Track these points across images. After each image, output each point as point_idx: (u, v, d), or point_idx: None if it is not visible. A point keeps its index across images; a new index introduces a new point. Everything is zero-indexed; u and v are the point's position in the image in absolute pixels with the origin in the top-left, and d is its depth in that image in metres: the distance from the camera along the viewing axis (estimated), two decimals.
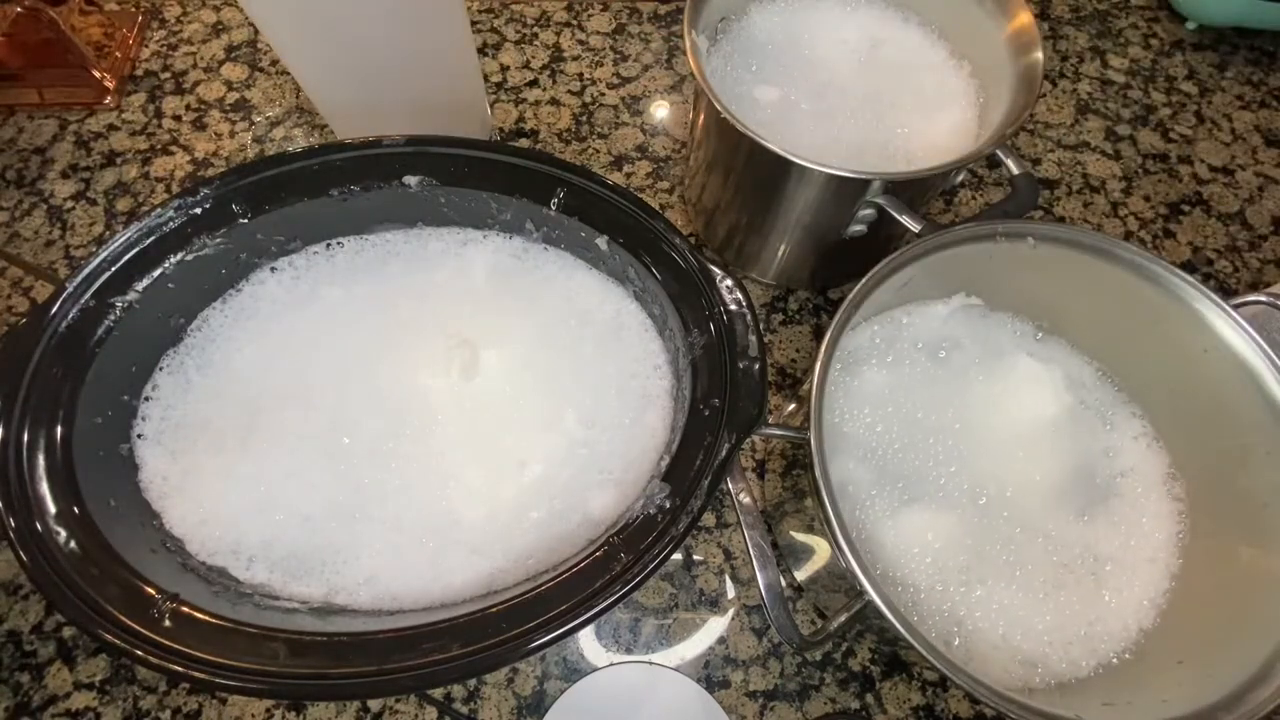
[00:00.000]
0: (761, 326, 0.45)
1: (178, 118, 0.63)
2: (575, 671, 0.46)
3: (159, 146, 0.62)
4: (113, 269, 0.36)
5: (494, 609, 0.30)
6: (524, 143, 0.64)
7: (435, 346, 0.41)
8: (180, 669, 0.28)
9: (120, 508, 0.34)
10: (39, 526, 0.30)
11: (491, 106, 0.65)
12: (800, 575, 0.48)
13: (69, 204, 0.59)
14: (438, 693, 0.45)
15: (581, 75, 0.67)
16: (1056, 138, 0.67)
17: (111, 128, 0.62)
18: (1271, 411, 0.38)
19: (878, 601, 0.31)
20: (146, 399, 0.37)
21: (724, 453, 0.34)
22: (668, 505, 0.33)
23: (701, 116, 0.51)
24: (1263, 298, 0.42)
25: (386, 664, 0.29)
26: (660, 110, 0.66)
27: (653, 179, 0.63)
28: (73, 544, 0.30)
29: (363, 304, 0.42)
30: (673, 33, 0.70)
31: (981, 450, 0.43)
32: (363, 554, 0.36)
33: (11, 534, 0.30)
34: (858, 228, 0.49)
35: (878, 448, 0.43)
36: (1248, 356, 0.38)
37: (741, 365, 0.36)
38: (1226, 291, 0.61)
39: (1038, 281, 0.44)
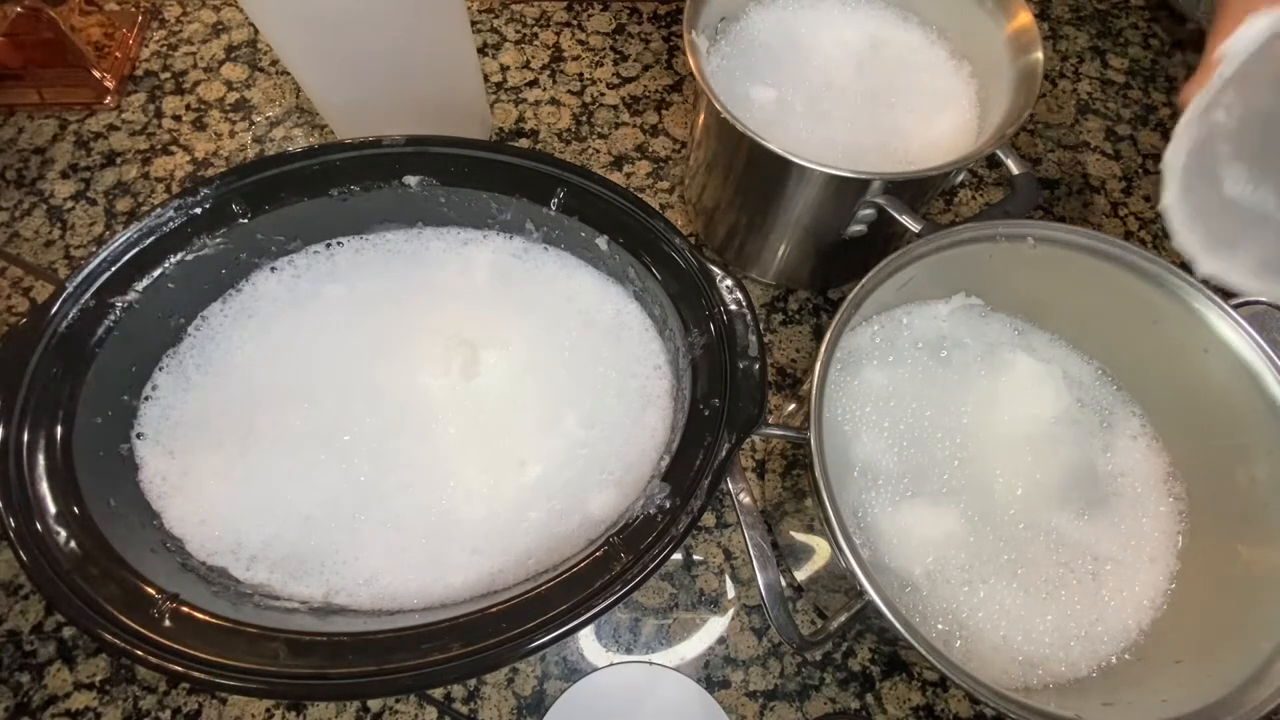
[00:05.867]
0: (761, 326, 0.45)
1: (178, 118, 0.63)
2: (575, 671, 0.46)
3: (159, 146, 0.62)
4: (113, 269, 0.36)
5: (494, 609, 0.30)
6: (524, 143, 0.64)
7: (435, 346, 0.41)
8: (180, 669, 0.28)
9: (120, 508, 0.34)
10: (39, 526, 0.30)
11: (491, 106, 0.65)
12: (800, 575, 0.48)
13: (69, 204, 0.59)
14: (438, 693, 0.45)
15: (581, 75, 0.67)
16: (1056, 138, 0.67)
17: (111, 128, 0.62)
18: (1271, 411, 0.38)
19: (878, 601, 0.31)
20: (146, 399, 0.37)
21: (724, 453, 0.34)
22: (668, 505, 0.33)
23: (701, 116, 0.51)
24: (1263, 298, 0.42)
25: (386, 664, 0.29)
26: (660, 110, 0.66)
27: (653, 179, 0.63)
28: (73, 544, 0.30)
29: (363, 304, 0.42)
30: (673, 33, 0.70)
31: (982, 449, 0.43)
32: (363, 554, 0.36)
33: (11, 534, 0.30)
34: (858, 228, 0.49)
35: (879, 446, 0.43)
36: (1248, 356, 0.38)
37: (741, 365, 0.36)
38: (1226, 292, 0.61)
39: (1038, 281, 0.44)
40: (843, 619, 0.34)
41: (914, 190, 0.46)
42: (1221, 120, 0.38)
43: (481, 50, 0.68)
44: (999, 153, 0.45)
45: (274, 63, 0.66)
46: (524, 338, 0.41)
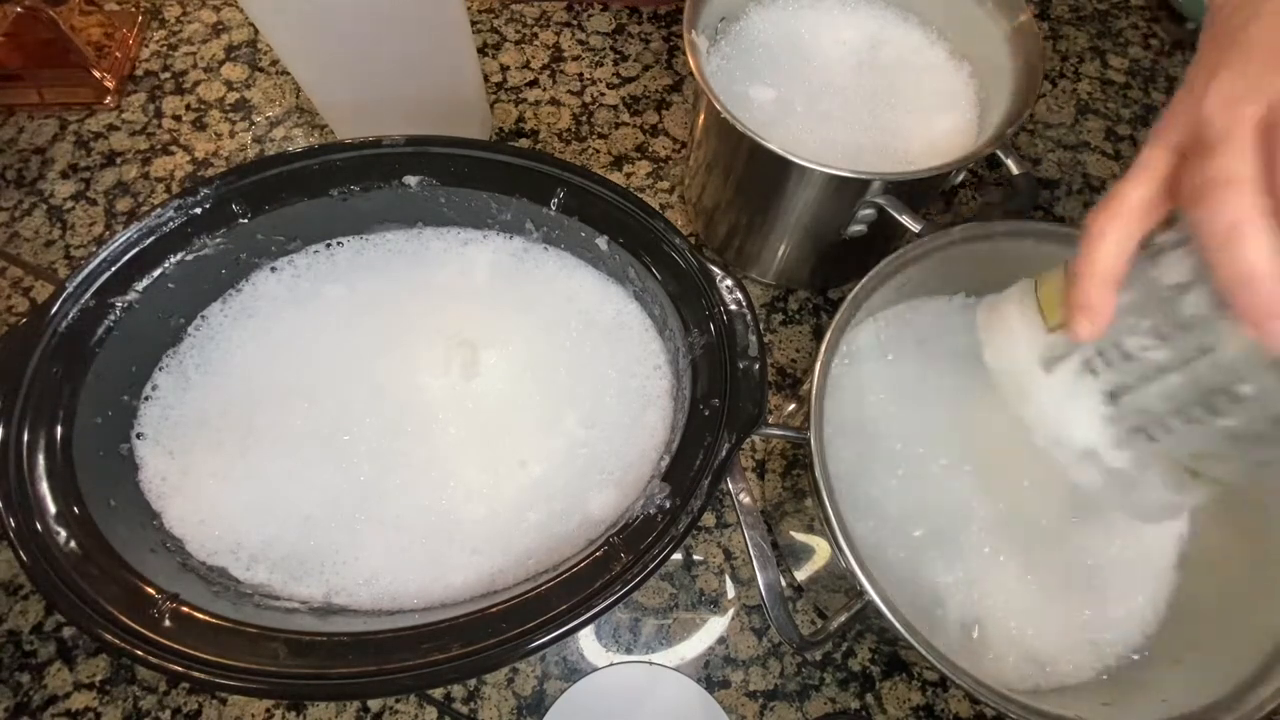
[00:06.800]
0: (761, 326, 0.45)
1: (178, 118, 0.63)
2: (575, 671, 0.46)
3: (159, 146, 0.62)
4: (113, 269, 0.36)
5: (494, 609, 0.30)
6: (524, 143, 0.64)
7: (435, 346, 0.41)
8: (180, 669, 0.28)
9: (120, 508, 0.34)
10: (39, 526, 0.30)
11: (491, 106, 0.65)
12: (800, 575, 0.48)
13: (69, 204, 0.59)
14: (438, 693, 0.45)
15: (581, 75, 0.67)
16: (1056, 138, 0.67)
17: (111, 128, 0.62)
18: None
19: (878, 601, 0.31)
20: (146, 399, 0.37)
21: (724, 453, 0.34)
22: (668, 505, 0.33)
23: (701, 116, 0.51)
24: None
25: (386, 664, 0.29)
26: (660, 110, 0.66)
27: (653, 179, 0.63)
28: (73, 544, 0.30)
29: (363, 304, 0.42)
30: (673, 33, 0.70)
31: (988, 448, 0.43)
32: (363, 554, 0.36)
33: (11, 534, 0.30)
34: (858, 228, 0.49)
35: (881, 445, 0.43)
36: None
37: (741, 365, 0.36)
38: None
39: None
40: (843, 619, 0.34)
41: (914, 190, 0.46)
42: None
43: (481, 50, 0.68)
44: (999, 153, 0.45)
45: (274, 63, 0.66)
46: (524, 338, 0.41)
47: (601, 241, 0.40)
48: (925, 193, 0.50)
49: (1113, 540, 0.41)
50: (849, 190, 0.45)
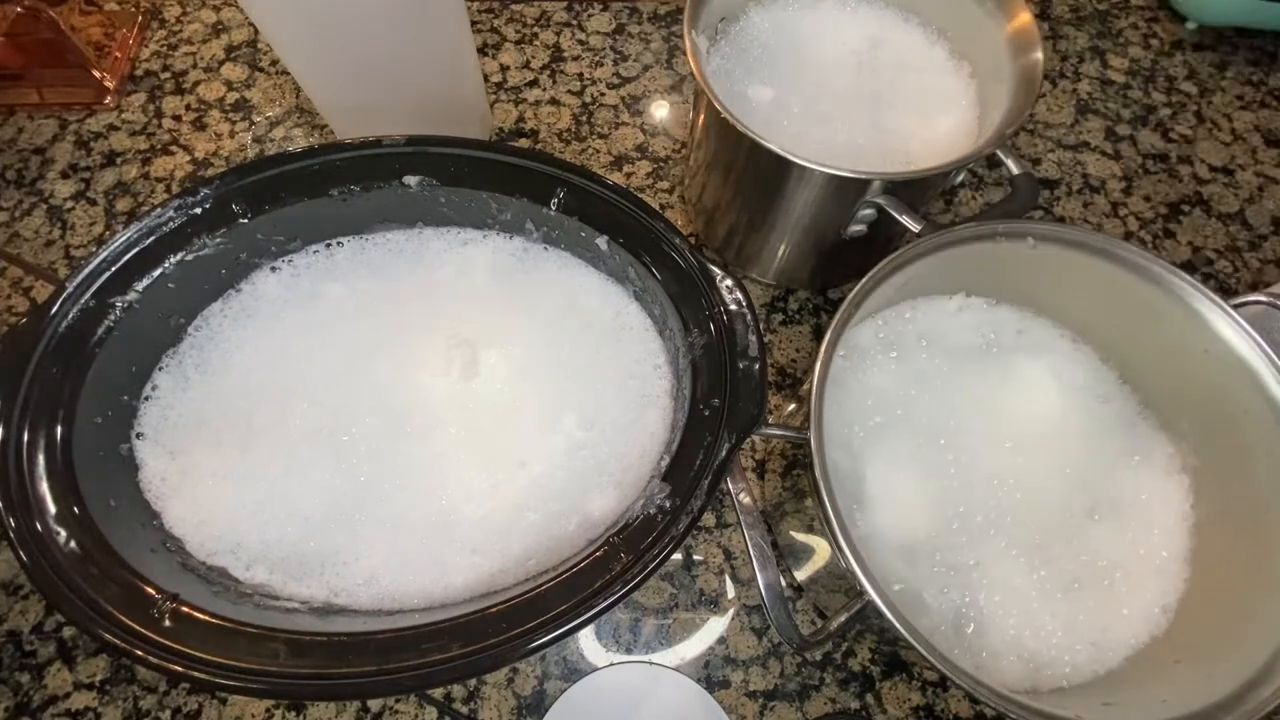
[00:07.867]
0: (761, 326, 0.45)
1: (178, 118, 0.63)
2: (575, 671, 0.46)
3: (159, 146, 0.62)
4: (113, 269, 0.36)
5: (494, 609, 0.30)
6: (524, 143, 0.64)
7: (435, 346, 0.41)
8: (180, 669, 0.28)
9: (120, 508, 0.34)
10: (39, 526, 0.30)
11: (491, 106, 0.65)
12: (800, 575, 0.48)
13: (69, 204, 0.59)
14: (438, 693, 0.45)
15: (581, 75, 0.67)
16: (1056, 138, 0.67)
17: (111, 128, 0.62)
18: (1272, 411, 0.38)
19: (878, 601, 0.31)
20: (146, 399, 0.37)
21: (724, 453, 0.34)
22: (668, 505, 0.33)
23: (701, 116, 0.51)
24: (1263, 298, 0.42)
25: (386, 664, 0.29)
26: (660, 110, 0.66)
27: (653, 179, 0.63)
28: (73, 544, 0.30)
29: (363, 304, 0.42)
30: (673, 33, 0.70)
31: (986, 448, 0.43)
32: (363, 554, 0.36)
33: (11, 534, 0.30)
34: (858, 228, 0.49)
35: (881, 445, 0.43)
36: (1248, 356, 0.38)
37: (741, 365, 0.36)
38: (1226, 291, 0.61)
39: (1038, 281, 0.44)
40: (843, 619, 0.34)
41: (914, 190, 0.46)
42: None
43: (481, 50, 0.68)
44: (999, 153, 0.45)
45: (274, 63, 0.66)
46: (524, 338, 0.41)
47: (601, 241, 0.40)
48: (925, 193, 0.50)
49: (1124, 540, 0.41)
50: (849, 190, 0.45)
